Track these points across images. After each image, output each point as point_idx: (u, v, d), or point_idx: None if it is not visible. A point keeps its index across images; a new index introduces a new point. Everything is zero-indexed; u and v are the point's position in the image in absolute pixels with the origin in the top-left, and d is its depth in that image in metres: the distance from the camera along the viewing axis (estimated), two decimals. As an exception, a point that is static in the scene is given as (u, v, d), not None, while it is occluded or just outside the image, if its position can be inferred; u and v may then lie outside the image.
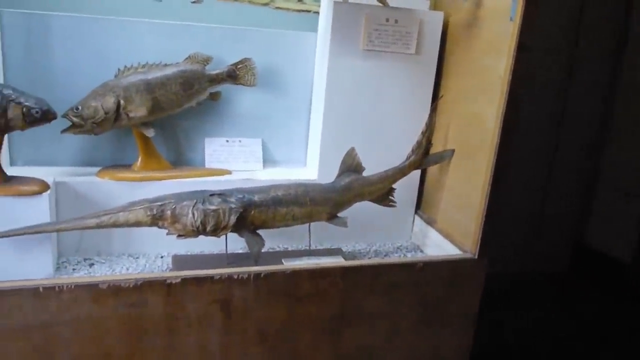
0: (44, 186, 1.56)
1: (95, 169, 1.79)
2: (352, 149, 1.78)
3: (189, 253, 1.81)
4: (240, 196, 1.59)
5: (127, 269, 1.70)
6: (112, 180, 1.73)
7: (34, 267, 1.56)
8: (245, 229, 1.61)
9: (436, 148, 1.93)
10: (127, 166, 1.81)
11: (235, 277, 1.47)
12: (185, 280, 1.42)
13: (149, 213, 1.50)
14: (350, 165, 1.78)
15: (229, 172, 1.89)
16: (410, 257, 1.97)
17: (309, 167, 2.04)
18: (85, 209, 1.67)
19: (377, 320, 1.65)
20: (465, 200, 1.81)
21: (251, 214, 1.60)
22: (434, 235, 1.98)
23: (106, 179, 1.73)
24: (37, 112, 1.50)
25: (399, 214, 2.02)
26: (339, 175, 1.79)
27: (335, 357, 1.64)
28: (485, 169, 1.69)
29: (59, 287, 1.32)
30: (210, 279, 1.45)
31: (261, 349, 1.54)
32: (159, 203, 1.52)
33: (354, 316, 1.62)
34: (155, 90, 1.70)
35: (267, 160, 2.01)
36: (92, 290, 1.35)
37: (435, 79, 1.97)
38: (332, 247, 1.94)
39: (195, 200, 1.53)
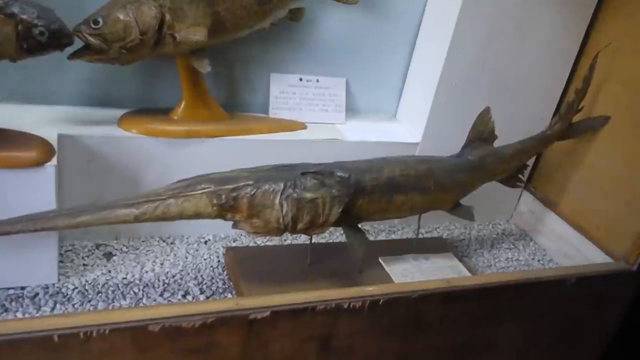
0: (47, 151, 0.96)
1: (111, 112, 1.19)
2: (487, 110, 1.26)
3: (242, 236, 1.29)
4: (344, 176, 1.06)
5: (161, 264, 1.18)
6: (143, 134, 1.14)
7: (31, 265, 1.01)
8: (345, 224, 1.10)
9: (581, 113, 1.43)
10: (162, 112, 1.21)
11: (345, 305, 0.99)
12: (276, 315, 0.93)
13: (215, 201, 0.96)
14: (482, 132, 1.26)
15: (303, 127, 1.33)
16: (559, 268, 1.45)
17: (400, 121, 1.49)
18: (101, 179, 1.12)
19: (506, 345, 1.24)
20: (619, 187, 1.39)
21: (358, 203, 1.08)
22: (553, 223, 1.54)
23: (133, 132, 1.14)
24: (41, 34, 0.86)
25: (499, 186, 1.50)
26: (466, 146, 1.27)
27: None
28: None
29: (84, 333, 0.80)
30: (311, 310, 0.96)
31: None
32: (231, 186, 0.97)
33: (482, 343, 1.20)
34: (218, 1, 1.09)
35: (347, 107, 1.44)
36: (137, 335, 0.84)
37: (592, 20, 1.43)
38: (433, 237, 1.45)
39: (283, 184, 1.00)
